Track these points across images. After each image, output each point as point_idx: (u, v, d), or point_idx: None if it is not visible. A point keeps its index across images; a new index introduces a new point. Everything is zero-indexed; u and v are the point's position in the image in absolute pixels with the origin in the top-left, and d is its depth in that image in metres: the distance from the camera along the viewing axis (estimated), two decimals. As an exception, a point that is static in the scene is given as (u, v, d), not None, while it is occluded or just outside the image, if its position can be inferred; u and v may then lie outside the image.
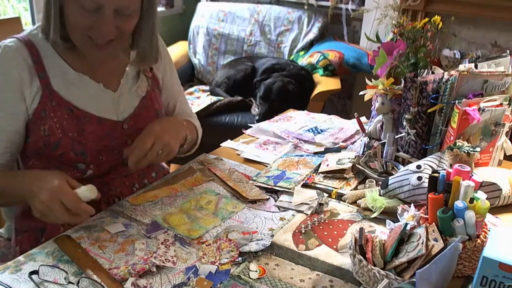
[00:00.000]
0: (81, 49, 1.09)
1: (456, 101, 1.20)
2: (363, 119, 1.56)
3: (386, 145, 1.33)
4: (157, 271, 0.91)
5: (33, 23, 2.99)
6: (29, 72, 1.09)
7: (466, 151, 1.14)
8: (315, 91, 2.69)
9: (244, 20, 3.30)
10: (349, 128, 1.61)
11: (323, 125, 1.66)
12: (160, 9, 3.42)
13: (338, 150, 1.42)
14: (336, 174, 1.27)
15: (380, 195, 1.14)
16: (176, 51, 3.29)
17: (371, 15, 2.82)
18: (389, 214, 1.10)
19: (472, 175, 0.97)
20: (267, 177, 1.27)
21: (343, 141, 1.51)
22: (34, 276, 0.87)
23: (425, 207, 0.97)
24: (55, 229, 1.16)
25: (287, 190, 1.21)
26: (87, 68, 1.15)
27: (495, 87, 1.25)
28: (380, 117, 1.40)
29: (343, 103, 3.41)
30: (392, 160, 1.32)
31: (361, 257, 0.87)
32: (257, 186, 1.24)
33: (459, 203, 0.88)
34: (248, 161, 1.40)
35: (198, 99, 2.89)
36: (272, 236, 1.03)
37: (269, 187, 1.23)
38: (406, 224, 0.92)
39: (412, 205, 1.03)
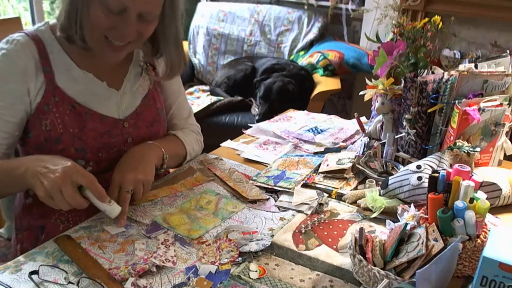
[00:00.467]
0: (96, 49, 1.10)
1: (456, 101, 1.20)
2: (363, 119, 1.56)
3: (386, 145, 1.33)
4: (157, 271, 0.91)
5: (33, 23, 2.99)
6: (35, 66, 1.10)
7: (466, 151, 1.14)
8: (315, 91, 2.69)
9: (244, 20, 3.30)
10: (349, 128, 1.61)
11: (323, 125, 1.66)
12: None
13: (338, 150, 1.42)
14: (336, 174, 1.27)
15: (380, 195, 1.14)
16: (176, 51, 3.29)
17: (371, 15, 2.82)
18: (389, 214, 1.10)
19: (472, 175, 0.97)
20: (267, 177, 1.27)
21: (343, 141, 1.51)
22: (34, 276, 0.87)
23: (425, 207, 0.97)
24: (54, 227, 1.17)
25: (287, 190, 1.21)
26: (92, 66, 1.16)
27: (495, 87, 1.25)
28: (380, 117, 1.40)
29: (343, 103, 3.41)
30: (392, 160, 1.32)
31: (361, 257, 0.87)
32: (257, 186, 1.24)
33: (459, 203, 0.88)
34: (248, 161, 1.40)
35: (198, 99, 2.89)
36: (272, 236, 1.03)
37: (269, 187, 1.23)
38: (406, 224, 0.92)
39: (412, 205, 1.03)
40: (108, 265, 0.92)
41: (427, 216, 0.95)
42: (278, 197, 1.19)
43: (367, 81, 1.39)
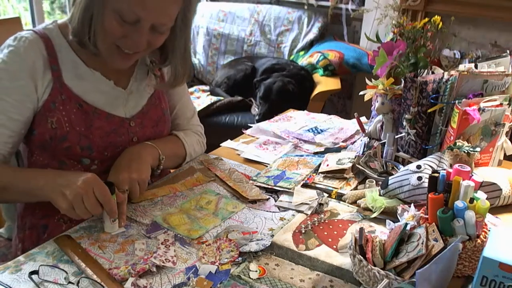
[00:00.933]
0: (105, 55, 1.10)
1: (456, 101, 1.20)
2: (363, 119, 1.56)
3: (386, 145, 1.33)
4: (157, 271, 0.91)
5: (33, 23, 2.99)
6: (43, 63, 1.10)
7: (466, 151, 1.14)
8: (315, 91, 2.69)
9: (244, 20, 3.30)
10: (349, 128, 1.61)
11: (323, 125, 1.66)
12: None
13: (338, 150, 1.42)
14: (336, 174, 1.27)
15: (380, 195, 1.14)
16: (176, 51, 3.29)
17: (371, 15, 2.82)
18: (389, 214, 1.10)
19: (472, 175, 0.97)
20: (267, 177, 1.27)
21: (343, 141, 1.51)
22: (34, 276, 0.87)
23: (425, 207, 0.97)
24: (57, 226, 1.17)
25: (287, 190, 1.21)
26: (99, 65, 1.16)
27: (495, 87, 1.25)
28: (380, 117, 1.40)
29: (343, 103, 3.41)
30: (392, 160, 1.32)
31: (361, 257, 0.87)
32: (257, 186, 1.24)
33: (459, 203, 0.88)
34: (248, 161, 1.40)
35: (198, 99, 2.89)
36: (272, 236, 1.03)
37: (269, 187, 1.23)
38: (406, 224, 0.92)
39: (412, 205, 1.03)
40: (108, 265, 0.92)
41: (427, 216, 0.95)
42: (278, 197, 1.19)
43: (367, 81, 1.39)
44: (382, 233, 1.03)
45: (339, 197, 1.20)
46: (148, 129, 1.24)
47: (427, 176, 1.01)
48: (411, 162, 1.24)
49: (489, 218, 1.03)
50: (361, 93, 1.42)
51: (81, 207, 0.96)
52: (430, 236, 0.88)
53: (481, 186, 0.96)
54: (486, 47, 2.75)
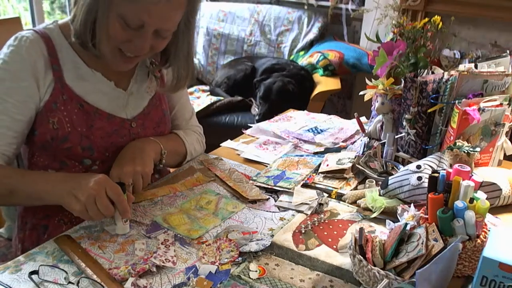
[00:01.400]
0: (107, 58, 1.10)
1: (456, 101, 1.20)
2: (363, 119, 1.56)
3: (386, 145, 1.33)
4: (157, 271, 0.91)
5: (33, 23, 2.99)
6: (44, 63, 1.10)
7: (466, 151, 1.14)
8: (315, 91, 2.69)
9: (244, 20, 3.30)
10: (349, 128, 1.61)
11: (323, 125, 1.66)
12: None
13: (338, 150, 1.42)
14: (336, 174, 1.27)
15: (380, 195, 1.14)
16: (176, 51, 3.29)
17: (371, 15, 2.82)
18: (389, 214, 1.10)
19: (472, 175, 0.97)
20: (267, 177, 1.28)
21: (343, 141, 1.51)
22: (34, 276, 0.87)
23: (425, 207, 0.97)
24: (57, 227, 1.17)
25: (287, 190, 1.21)
26: (100, 65, 1.16)
27: (495, 87, 1.25)
28: (380, 117, 1.40)
29: (343, 103, 3.41)
30: (392, 160, 1.32)
31: (361, 257, 0.87)
32: (257, 186, 1.24)
33: (459, 203, 0.88)
34: (248, 161, 1.40)
35: (198, 99, 2.89)
36: (272, 236, 1.03)
37: (269, 187, 1.23)
38: (406, 224, 0.92)
39: (412, 205, 1.03)
40: (108, 265, 0.92)
41: (427, 216, 0.95)
42: (278, 197, 1.19)
43: (367, 81, 1.39)
44: (382, 233, 1.03)
45: (339, 197, 1.20)
46: (149, 130, 1.24)
47: (427, 176, 1.01)
48: (411, 162, 1.24)
49: (489, 218, 1.03)
50: (361, 93, 1.42)
51: (94, 208, 0.96)
52: (430, 236, 0.88)
53: (481, 186, 0.96)
54: (486, 47, 2.76)
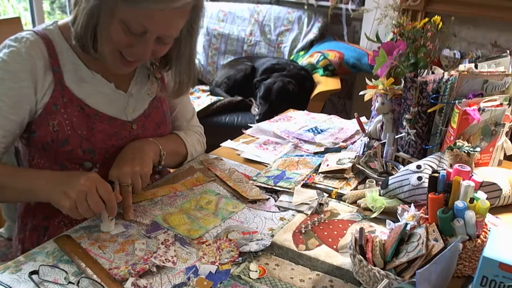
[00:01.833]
0: (108, 61, 1.10)
1: (456, 101, 1.20)
2: (363, 119, 1.56)
3: (386, 145, 1.33)
4: (157, 271, 0.91)
5: (33, 23, 2.99)
6: (44, 65, 1.09)
7: (466, 151, 1.14)
8: (315, 91, 2.69)
9: (244, 20, 3.30)
10: (349, 128, 1.61)
11: (323, 125, 1.66)
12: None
13: (338, 150, 1.42)
14: (336, 174, 1.27)
15: (380, 195, 1.14)
16: (176, 51, 3.29)
17: (371, 15, 2.82)
18: (389, 214, 1.10)
19: (472, 175, 0.97)
20: (267, 177, 1.27)
21: (343, 141, 1.51)
22: (34, 276, 0.87)
23: (425, 207, 0.97)
24: (58, 229, 1.17)
25: (287, 190, 1.21)
26: (100, 67, 1.15)
27: (495, 87, 1.25)
28: (380, 117, 1.40)
29: (343, 103, 3.41)
30: (392, 160, 1.32)
31: (361, 257, 0.87)
32: (257, 186, 1.23)
33: (459, 203, 0.88)
34: (248, 161, 1.40)
35: (198, 99, 2.89)
36: (272, 236, 1.03)
37: (269, 187, 1.23)
38: (406, 224, 0.92)
39: (412, 205, 1.03)
40: (108, 265, 0.92)
41: (427, 216, 0.95)
42: (278, 197, 1.19)
43: (367, 81, 1.39)
44: (382, 233, 1.03)
45: (339, 197, 1.20)
46: (150, 132, 1.24)
47: (427, 176, 1.01)
48: (411, 162, 1.24)
49: (489, 218, 1.03)
50: (361, 93, 1.42)
51: (85, 205, 0.96)
52: (430, 236, 0.88)
53: (481, 186, 0.96)
54: (486, 47, 2.76)
